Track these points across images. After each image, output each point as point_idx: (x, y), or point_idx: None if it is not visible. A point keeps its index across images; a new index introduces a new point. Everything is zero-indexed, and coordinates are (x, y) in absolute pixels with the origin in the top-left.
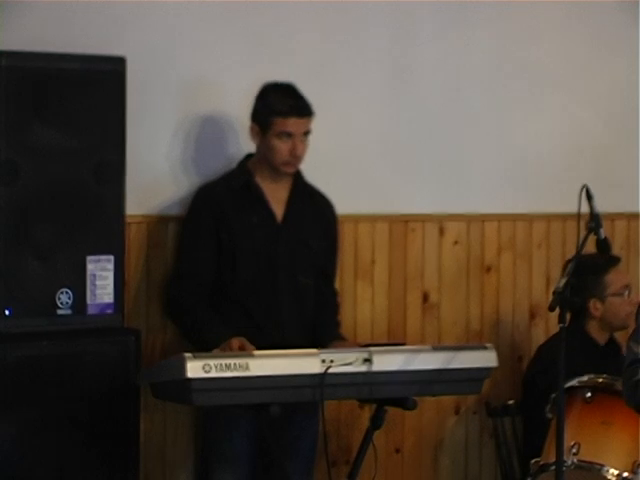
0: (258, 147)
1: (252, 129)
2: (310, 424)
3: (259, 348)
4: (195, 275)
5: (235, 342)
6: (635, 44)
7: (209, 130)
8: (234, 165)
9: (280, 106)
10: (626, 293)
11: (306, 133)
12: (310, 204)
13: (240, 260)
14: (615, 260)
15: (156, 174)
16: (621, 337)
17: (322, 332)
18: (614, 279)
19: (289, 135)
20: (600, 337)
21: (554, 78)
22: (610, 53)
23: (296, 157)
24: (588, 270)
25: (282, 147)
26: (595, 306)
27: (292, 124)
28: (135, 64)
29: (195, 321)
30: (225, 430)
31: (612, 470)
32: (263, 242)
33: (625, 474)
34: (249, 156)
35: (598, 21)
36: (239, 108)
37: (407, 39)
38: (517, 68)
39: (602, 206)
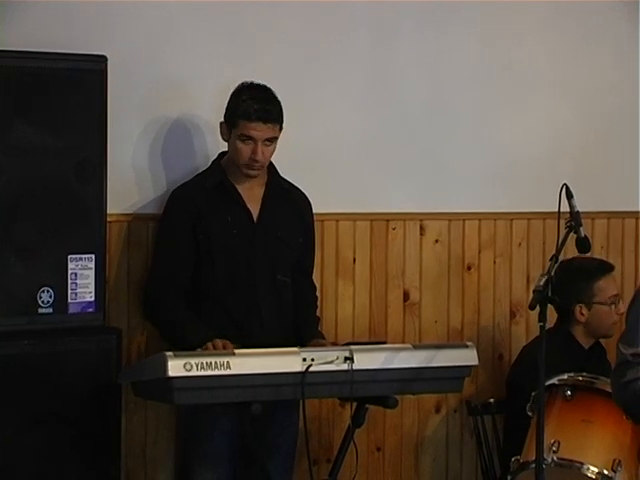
0: (228, 145)
1: (221, 126)
2: (290, 422)
3: (240, 347)
4: (173, 276)
5: (218, 343)
6: (618, 44)
7: (189, 129)
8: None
9: (247, 109)
10: (614, 303)
11: (270, 139)
12: (286, 201)
13: (217, 260)
14: (608, 268)
15: (137, 173)
16: (609, 343)
17: (302, 330)
18: (604, 287)
19: (252, 139)
20: (584, 341)
21: (535, 78)
22: (591, 53)
23: (256, 161)
24: (580, 274)
25: (244, 149)
26: (580, 311)
27: (255, 129)
28: (116, 63)
29: (175, 322)
30: (205, 429)
31: (592, 468)
32: (239, 241)
33: (605, 472)
34: (222, 154)
35: (580, 21)
36: (219, 107)
37: (388, 38)
38: (498, 68)
39: (582, 205)
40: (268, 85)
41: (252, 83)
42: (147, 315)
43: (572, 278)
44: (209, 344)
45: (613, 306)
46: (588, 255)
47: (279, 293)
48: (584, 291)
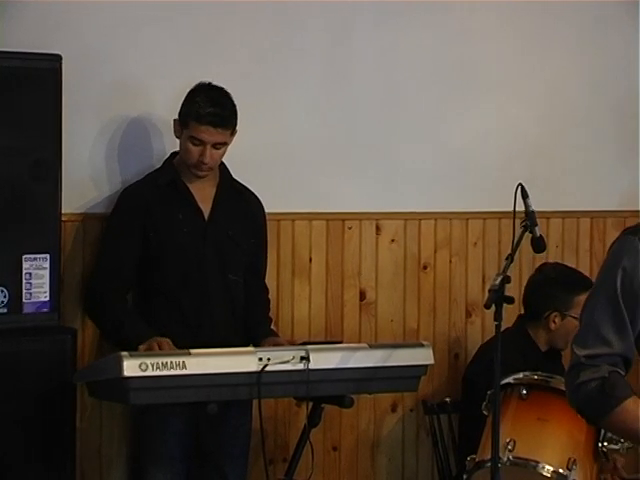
0: (179, 143)
1: (175, 123)
2: (243, 422)
3: (192, 346)
4: (116, 272)
5: (164, 342)
6: (572, 44)
7: (145, 129)
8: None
9: (198, 111)
10: None
11: (220, 143)
12: (238, 201)
13: (168, 258)
14: (590, 285)
15: (92, 172)
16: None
17: (254, 329)
18: (583, 303)
19: (201, 142)
20: (542, 344)
21: (489, 78)
22: (544, 53)
23: (203, 164)
24: (564, 284)
25: (193, 151)
26: (554, 319)
27: (204, 132)
28: (71, 63)
29: (114, 319)
30: (158, 429)
31: (547, 467)
32: (190, 239)
33: (560, 470)
34: (175, 154)
35: (531, 21)
36: (174, 107)
37: (343, 38)
38: (453, 68)
39: (537, 204)
40: (224, 87)
41: (209, 85)
42: (86, 310)
43: (555, 284)
44: (154, 343)
45: None
46: (571, 266)
47: (230, 292)
48: (564, 301)
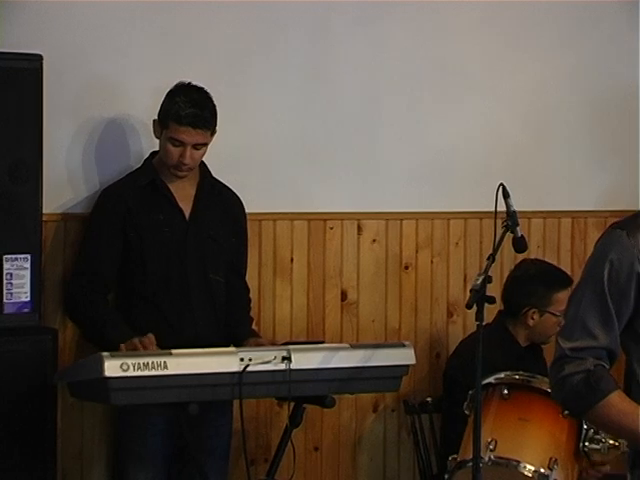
0: (158, 143)
1: (154, 123)
2: (225, 422)
3: (173, 346)
4: (96, 273)
5: (145, 340)
6: (553, 45)
7: (123, 129)
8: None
9: (178, 112)
10: (563, 316)
11: (200, 144)
12: (218, 201)
13: (149, 258)
14: (569, 281)
15: (72, 172)
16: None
17: (235, 329)
18: (561, 299)
19: (181, 142)
20: (522, 340)
21: (470, 78)
22: (525, 54)
23: (184, 164)
24: (543, 280)
25: (173, 152)
26: (532, 316)
27: (184, 133)
28: (50, 63)
29: (96, 320)
30: (139, 429)
31: (529, 466)
32: (171, 239)
33: (541, 470)
34: (154, 153)
35: (512, 21)
36: (153, 107)
37: (323, 38)
38: (434, 67)
39: (518, 204)
40: (205, 87)
41: (189, 85)
42: (66, 310)
43: (534, 281)
44: (136, 342)
45: (561, 319)
46: (550, 262)
47: (212, 292)
48: (542, 297)
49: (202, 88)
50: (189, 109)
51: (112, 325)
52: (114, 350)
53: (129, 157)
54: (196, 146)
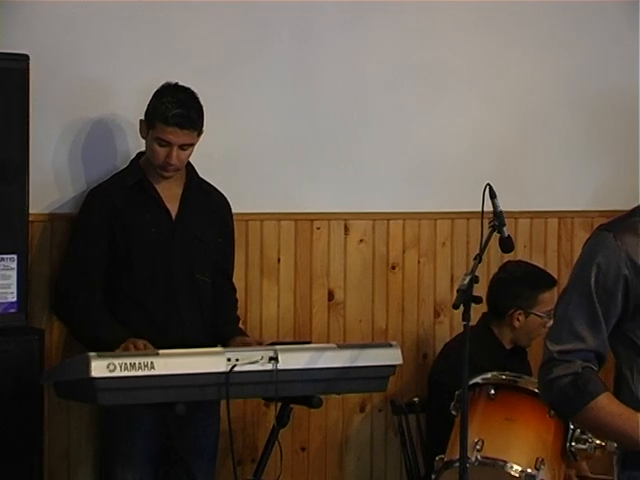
0: (145, 143)
1: (141, 123)
2: (212, 422)
3: (160, 347)
4: (85, 273)
5: (139, 343)
6: (539, 44)
7: (110, 129)
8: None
9: (165, 112)
10: (549, 318)
11: (186, 145)
12: (205, 201)
13: (136, 258)
14: (554, 282)
15: (59, 173)
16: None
17: (222, 329)
18: (546, 300)
19: (168, 143)
20: (506, 342)
21: (457, 78)
22: (512, 52)
23: (170, 165)
24: (528, 281)
25: (159, 152)
26: (518, 317)
27: (170, 133)
28: (36, 63)
29: (87, 320)
30: (127, 429)
31: (515, 466)
32: (158, 240)
33: (528, 470)
34: (141, 154)
35: (497, 21)
36: (140, 108)
37: (309, 38)
38: (420, 68)
39: (505, 204)
40: (191, 88)
41: (175, 85)
42: (58, 313)
43: (519, 282)
44: (130, 344)
45: (545, 320)
46: (536, 264)
47: (198, 293)
48: (527, 298)
49: (189, 88)
50: (176, 109)
51: (105, 327)
52: (106, 350)
53: (116, 157)
54: (183, 146)
